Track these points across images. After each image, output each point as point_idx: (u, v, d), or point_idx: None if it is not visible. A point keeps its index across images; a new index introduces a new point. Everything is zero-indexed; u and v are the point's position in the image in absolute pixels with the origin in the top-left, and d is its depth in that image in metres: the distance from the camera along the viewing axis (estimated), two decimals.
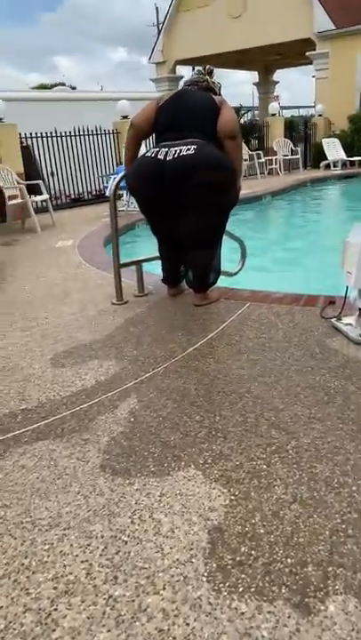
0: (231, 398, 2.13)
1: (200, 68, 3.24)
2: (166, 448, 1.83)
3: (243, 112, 15.72)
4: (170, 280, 3.45)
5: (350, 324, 2.66)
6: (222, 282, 3.48)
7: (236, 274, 3.78)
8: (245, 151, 11.61)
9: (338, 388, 2.14)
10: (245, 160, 11.61)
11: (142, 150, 3.29)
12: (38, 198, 6.96)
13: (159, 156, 2.86)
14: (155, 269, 3.70)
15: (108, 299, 3.52)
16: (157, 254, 3.45)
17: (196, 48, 17.31)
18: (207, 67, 3.20)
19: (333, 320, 2.77)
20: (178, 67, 18.99)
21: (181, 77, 19.80)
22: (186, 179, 2.80)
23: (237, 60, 18.82)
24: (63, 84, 27.33)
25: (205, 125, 2.94)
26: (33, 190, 7.18)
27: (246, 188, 9.73)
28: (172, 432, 1.93)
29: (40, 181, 7.07)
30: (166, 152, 2.84)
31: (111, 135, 9.60)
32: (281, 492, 1.57)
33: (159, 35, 19.00)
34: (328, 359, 2.41)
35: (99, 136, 9.58)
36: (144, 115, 3.08)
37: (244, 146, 11.68)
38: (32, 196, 7.05)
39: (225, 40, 16.49)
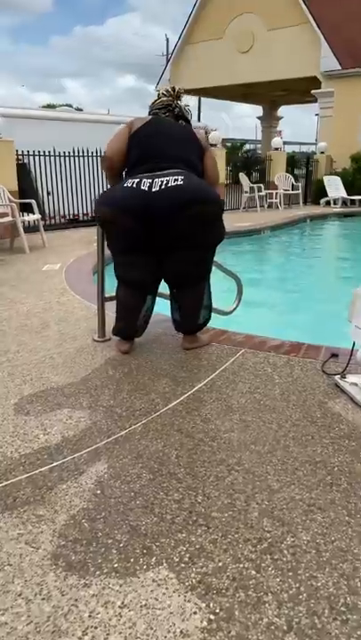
0: (218, 471, 1.81)
1: (168, 88, 2.92)
2: (135, 535, 1.51)
3: (246, 150, 15.67)
4: (126, 332, 2.90)
5: (356, 385, 2.37)
6: (215, 322, 3.19)
7: (231, 312, 3.51)
8: (246, 183, 11.51)
9: (342, 467, 1.83)
10: (246, 192, 11.50)
11: None
12: (29, 218, 6.70)
13: (142, 187, 2.54)
14: None
15: (89, 334, 3.21)
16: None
17: (203, 79, 17.45)
18: (177, 89, 2.91)
19: (337, 377, 2.48)
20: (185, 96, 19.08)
21: (187, 106, 19.93)
22: (176, 211, 2.53)
23: (243, 93, 19.02)
24: (70, 106, 27.49)
25: (191, 159, 2.74)
26: (26, 208, 6.95)
27: (246, 220, 9.60)
28: (144, 513, 1.60)
29: (33, 200, 6.82)
30: (151, 183, 2.54)
31: None
32: (273, 614, 1.25)
33: (167, 64, 19.16)
34: (331, 426, 2.11)
35: (98, 158, 9.40)
36: (116, 144, 2.76)
37: (245, 177, 11.60)
38: (24, 214, 6.80)
39: (232, 73, 16.63)
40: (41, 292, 4.32)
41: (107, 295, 3.11)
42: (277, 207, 11.96)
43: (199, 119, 24.90)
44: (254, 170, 13.69)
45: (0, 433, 2.08)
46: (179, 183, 2.53)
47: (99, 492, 1.71)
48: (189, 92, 19.09)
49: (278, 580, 1.35)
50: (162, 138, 2.73)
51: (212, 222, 2.68)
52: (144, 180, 2.55)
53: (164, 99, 2.89)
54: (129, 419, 2.18)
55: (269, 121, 21.46)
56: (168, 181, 2.53)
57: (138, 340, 3.02)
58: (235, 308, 3.56)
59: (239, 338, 3.11)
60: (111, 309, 3.15)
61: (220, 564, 1.40)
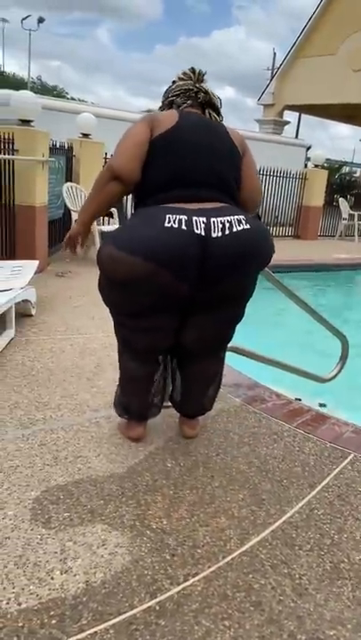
0: None
1: (186, 70, 1.98)
2: None
3: (342, 173, 14.65)
4: (141, 414, 2.12)
5: None
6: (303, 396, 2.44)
7: (330, 379, 2.75)
8: (346, 209, 10.55)
9: None
10: (344, 219, 10.54)
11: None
12: (107, 228, 6.20)
13: (196, 230, 1.66)
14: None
15: None
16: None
17: (309, 95, 16.55)
18: (198, 70, 1.97)
19: None
20: (286, 111, 18.32)
21: (288, 123, 19.14)
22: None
23: (349, 114, 17.91)
24: None
25: (231, 182, 1.88)
26: (109, 215, 6.50)
27: (342, 250, 8.66)
28: None
29: (115, 209, 6.31)
30: (207, 224, 1.68)
31: None
32: None
33: (272, 78, 18.47)
34: None
35: None
36: (131, 154, 1.79)
37: (345, 203, 10.67)
38: (104, 221, 6.34)
39: (341, 92, 15.61)
40: (104, 317, 3.73)
41: None
42: None
43: (297, 136, 23.94)
44: (350, 194, 12.68)
45: (2, 554, 1.46)
46: (245, 227, 1.73)
47: None
48: (291, 107, 18.29)
49: None
50: (203, 147, 1.82)
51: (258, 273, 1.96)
52: (194, 218, 1.68)
53: (182, 82, 1.97)
54: (185, 562, 1.48)
55: None
56: (232, 224, 1.71)
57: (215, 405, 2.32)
58: (336, 374, 2.79)
59: (345, 430, 2.33)
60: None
61: None
